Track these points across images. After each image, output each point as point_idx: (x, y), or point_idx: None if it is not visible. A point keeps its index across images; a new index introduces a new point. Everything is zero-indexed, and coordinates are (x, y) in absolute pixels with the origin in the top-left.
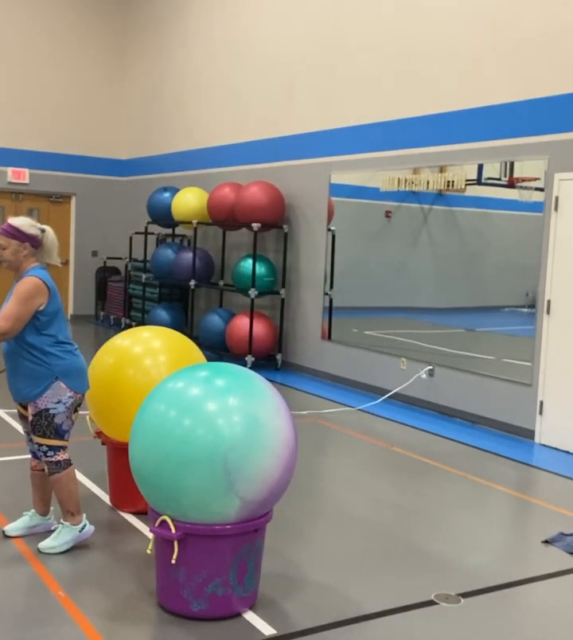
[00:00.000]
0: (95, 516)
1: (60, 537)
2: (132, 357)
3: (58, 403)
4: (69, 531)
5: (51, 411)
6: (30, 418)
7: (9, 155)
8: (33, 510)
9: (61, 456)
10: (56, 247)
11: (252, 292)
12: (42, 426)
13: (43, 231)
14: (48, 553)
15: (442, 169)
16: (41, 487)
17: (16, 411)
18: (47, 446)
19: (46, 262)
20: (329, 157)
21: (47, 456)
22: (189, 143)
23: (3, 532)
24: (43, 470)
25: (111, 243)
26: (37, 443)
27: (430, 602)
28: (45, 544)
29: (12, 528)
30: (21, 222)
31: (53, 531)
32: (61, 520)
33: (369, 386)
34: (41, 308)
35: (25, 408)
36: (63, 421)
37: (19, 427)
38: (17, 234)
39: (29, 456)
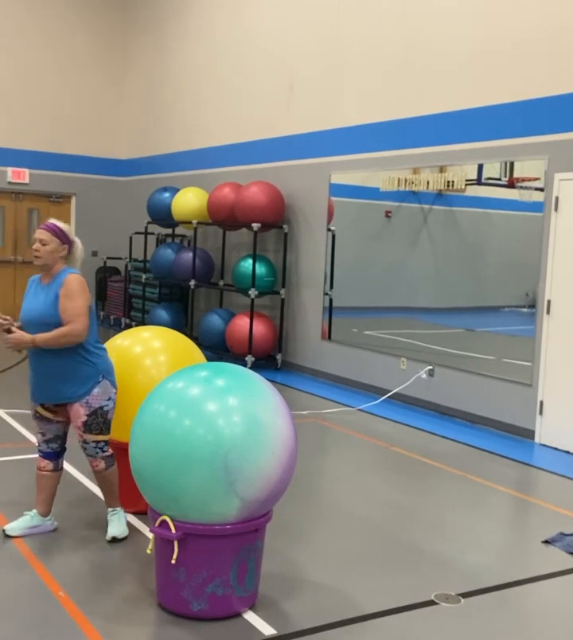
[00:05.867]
0: (95, 516)
1: (123, 520)
2: (132, 357)
3: (109, 400)
4: (123, 514)
5: (105, 408)
6: (84, 418)
7: (9, 155)
8: (34, 510)
9: (110, 449)
10: (82, 260)
11: (252, 292)
12: (99, 423)
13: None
14: (121, 538)
15: (442, 169)
16: (49, 488)
17: (31, 411)
18: (103, 442)
19: None
20: (329, 157)
21: (104, 451)
22: (189, 143)
23: (4, 531)
24: (53, 470)
25: (111, 243)
26: (93, 442)
27: (430, 602)
28: (117, 531)
29: (12, 527)
30: (64, 225)
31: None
32: (116, 508)
33: (369, 386)
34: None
35: (51, 411)
36: (112, 417)
37: (19, 427)
38: (60, 234)
39: (37, 456)
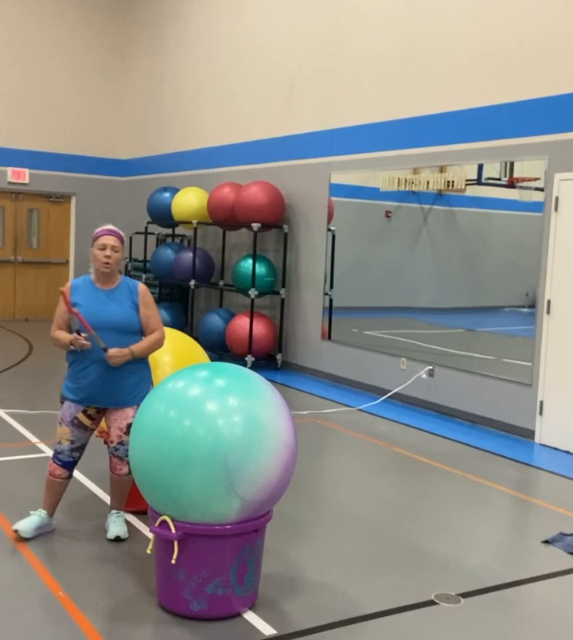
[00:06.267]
0: (95, 516)
1: (124, 522)
2: None
3: None
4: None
5: None
6: (132, 420)
7: (9, 155)
8: (44, 512)
9: None
10: None
11: (252, 292)
12: None
13: None
14: (124, 539)
15: (442, 169)
16: (60, 493)
17: (68, 418)
18: None
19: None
20: (329, 157)
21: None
22: (189, 143)
23: (16, 531)
24: (67, 478)
25: None
26: (128, 443)
27: (430, 603)
28: (121, 531)
29: (25, 530)
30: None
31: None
32: (120, 511)
33: (369, 386)
34: None
35: (91, 417)
36: None
37: (19, 427)
38: (123, 244)
39: (51, 461)
